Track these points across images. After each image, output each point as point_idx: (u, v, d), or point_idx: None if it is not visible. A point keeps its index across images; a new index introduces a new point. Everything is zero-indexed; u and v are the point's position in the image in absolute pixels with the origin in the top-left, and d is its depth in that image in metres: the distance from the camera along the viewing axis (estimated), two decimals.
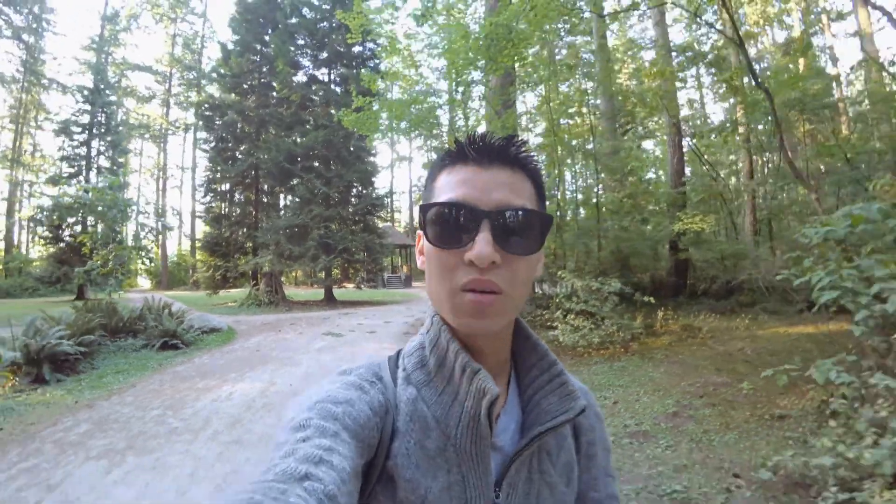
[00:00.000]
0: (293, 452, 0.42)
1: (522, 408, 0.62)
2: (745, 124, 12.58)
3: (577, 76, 17.95)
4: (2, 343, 6.23)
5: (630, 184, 14.00)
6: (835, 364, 3.44)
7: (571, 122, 13.77)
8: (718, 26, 9.16)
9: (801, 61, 14.26)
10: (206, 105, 22.52)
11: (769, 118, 9.95)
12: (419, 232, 0.59)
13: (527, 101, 22.99)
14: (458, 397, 0.55)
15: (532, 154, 0.57)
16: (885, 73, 8.30)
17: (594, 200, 11.45)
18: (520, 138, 0.57)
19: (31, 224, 20.15)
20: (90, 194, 9.10)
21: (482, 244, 0.50)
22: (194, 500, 2.76)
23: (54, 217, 9.73)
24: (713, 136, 12.82)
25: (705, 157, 15.50)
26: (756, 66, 20.89)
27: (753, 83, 5.90)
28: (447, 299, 0.53)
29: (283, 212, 20.92)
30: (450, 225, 0.53)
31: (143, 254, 9.60)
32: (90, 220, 13.73)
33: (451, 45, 6.42)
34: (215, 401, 4.85)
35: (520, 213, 0.53)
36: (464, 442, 0.53)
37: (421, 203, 0.57)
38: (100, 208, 9.01)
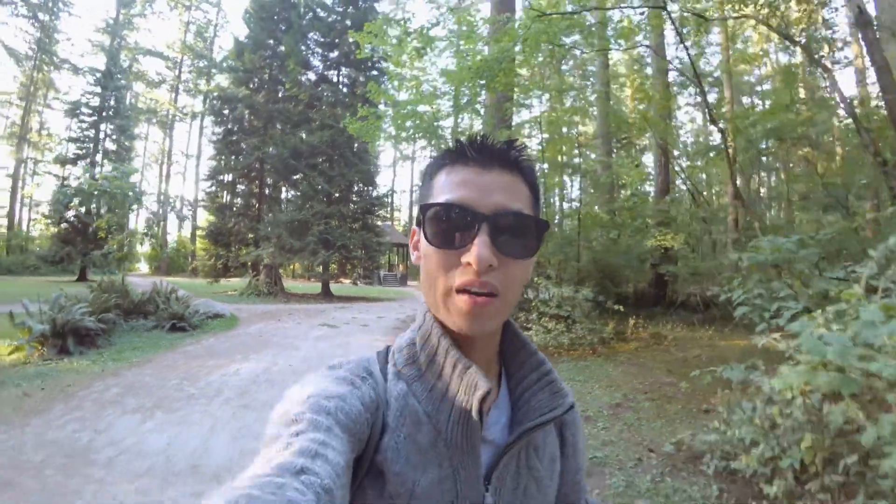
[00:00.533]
0: (288, 446, 0.42)
1: (512, 404, 0.63)
2: (732, 147, 13.36)
3: (577, 88, 18.74)
4: (30, 316, 6.93)
5: (623, 198, 14.81)
6: (746, 368, 4.17)
7: (564, 135, 14.54)
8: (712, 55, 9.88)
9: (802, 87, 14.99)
10: (218, 97, 23.17)
11: (752, 142, 10.83)
12: (414, 227, 0.61)
13: (531, 110, 23.71)
14: (450, 392, 0.55)
15: (531, 159, 0.59)
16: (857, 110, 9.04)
17: (578, 214, 12.17)
18: (520, 142, 0.59)
19: (51, 206, 20.54)
20: (108, 182, 9.77)
21: (481, 247, 0.51)
22: (215, 447, 3.48)
23: (76, 202, 10.37)
24: (702, 158, 13.64)
25: (699, 174, 16.28)
26: (759, 88, 21.80)
27: (710, 121, 6.60)
28: (442, 299, 0.54)
29: (285, 206, 21.59)
30: (449, 225, 0.54)
31: (155, 241, 10.26)
32: (100, 205, 14.29)
33: (454, 72, 7.12)
34: (224, 375, 5.58)
35: (517, 216, 0.54)
36: (455, 436, 0.55)
37: (420, 203, 0.58)
38: (118, 196, 9.69)
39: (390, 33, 7.22)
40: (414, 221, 0.61)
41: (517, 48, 6.85)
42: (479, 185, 0.55)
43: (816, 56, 6.37)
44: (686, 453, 3.65)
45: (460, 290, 0.53)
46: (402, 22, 7.10)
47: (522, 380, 0.64)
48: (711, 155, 13.44)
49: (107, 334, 7.70)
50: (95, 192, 9.91)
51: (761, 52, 19.82)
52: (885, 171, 5.12)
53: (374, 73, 21.04)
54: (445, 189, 0.56)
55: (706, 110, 6.44)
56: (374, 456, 0.54)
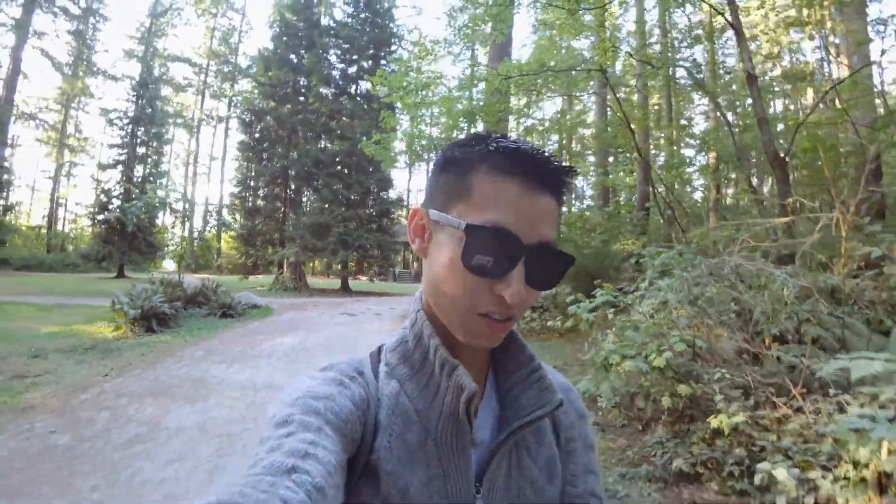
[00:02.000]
0: (278, 447, 0.43)
1: (500, 402, 0.63)
2: (715, 159, 15.19)
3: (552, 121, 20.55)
4: (122, 304, 9.08)
5: (612, 204, 16.64)
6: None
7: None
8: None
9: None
10: (246, 109, 25.31)
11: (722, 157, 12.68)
12: (418, 208, 0.59)
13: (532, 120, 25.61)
14: (439, 392, 0.56)
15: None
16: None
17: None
18: (573, 167, 0.55)
19: (92, 207, 22.59)
20: (167, 195, 11.90)
21: (517, 284, 0.51)
22: (278, 378, 5.53)
23: (143, 212, 12.32)
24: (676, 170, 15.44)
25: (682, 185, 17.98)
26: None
27: (637, 154, 8.47)
28: (461, 318, 0.54)
29: (307, 208, 23.68)
30: (489, 252, 0.51)
31: (205, 243, 12.37)
32: (162, 213, 16.24)
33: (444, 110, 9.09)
34: (273, 345, 7.67)
35: (554, 253, 0.54)
36: (444, 436, 0.55)
37: (467, 223, 0.52)
38: (176, 206, 11.81)
39: (398, 86, 9.14)
40: (428, 202, 0.58)
41: (498, 93, 8.82)
42: (530, 211, 0.52)
43: (718, 100, 8.13)
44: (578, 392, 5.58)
45: (482, 314, 0.53)
46: (407, 86, 9.02)
47: (511, 376, 0.63)
48: (691, 168, 15.31)
49: (175, 319, 9.85)
50: (158, 204, 12.01)
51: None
52: (755, 198, 6.93)
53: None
54: (495, 202, 0.52)
55: (636, 149, 8.28)
56: (368, 456, 0.54)
